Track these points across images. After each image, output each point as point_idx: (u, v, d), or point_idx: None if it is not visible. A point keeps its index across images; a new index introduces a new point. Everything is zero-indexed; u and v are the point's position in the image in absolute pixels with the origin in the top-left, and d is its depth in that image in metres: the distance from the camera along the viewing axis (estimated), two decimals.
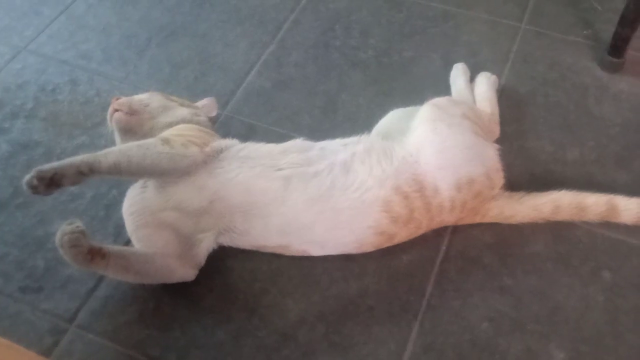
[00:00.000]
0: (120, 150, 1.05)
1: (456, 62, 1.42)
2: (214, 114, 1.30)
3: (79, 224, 0.98)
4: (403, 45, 1.52)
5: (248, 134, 1.34)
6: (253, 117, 1.38)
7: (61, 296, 1.09)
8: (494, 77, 1.36)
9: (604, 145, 1.30)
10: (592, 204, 1.13)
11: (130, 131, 1.15)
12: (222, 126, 1.36)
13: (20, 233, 1.18)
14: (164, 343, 1.03)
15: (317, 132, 1.34)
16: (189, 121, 1.19)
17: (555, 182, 1.21)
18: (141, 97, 1.21)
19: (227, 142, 1.14)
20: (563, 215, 1.14)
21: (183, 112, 1.20)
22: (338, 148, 1.12)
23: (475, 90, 1.34)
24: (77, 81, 1.45)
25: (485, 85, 1.33)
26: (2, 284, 1.11)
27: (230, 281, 1.11)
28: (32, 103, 1.41)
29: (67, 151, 1.31)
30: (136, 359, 1.02)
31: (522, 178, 1.24)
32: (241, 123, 1.37)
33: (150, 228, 1.07)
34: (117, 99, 1.16)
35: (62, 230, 0.97)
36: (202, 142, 1.10)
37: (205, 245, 1.08)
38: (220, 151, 1.10)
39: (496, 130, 1.28)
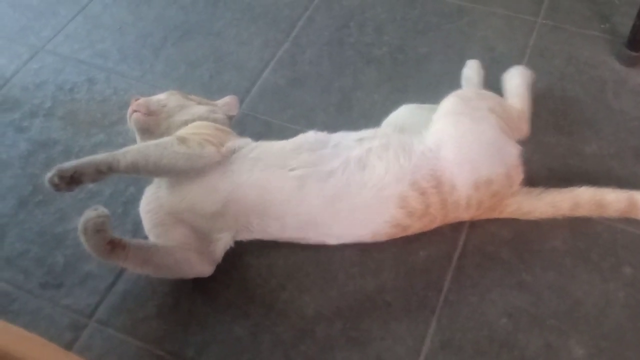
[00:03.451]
0: (138, 149, 1.05)
1: (473, 57, 1.41)
2: (234, 112, 1.30)
3: (103, 209, 0.99)
4: (418, 42, 1.51)
5: (263, 131, 1.34)
6: (268, 115, 1.38)
7: (81, 292, 1.10)
8: (529, 72, 1.30)
9: (622, 139, 1.28)
10: (613, 201, 1.11)
11: (148, 130, 1.16)
12: (238, 124, 1.36)
13: (39, 230, 1.19)
14: (182, 338, 1.04)
15: (332, 129, 1.32)
16: (206, 118, 1.19)
17: (574, 177, 1.20)
18: (159, 97, 1.22)
19: (240, 141, 1.13)
20: (582, 212, 1.13)
21: (200, 109, 1.21)
22: (352, 144, 1.11)
23: (507, 85, 1.29)
24: (94, 80, 1.47)
25: (518, 79, 1.28)
26: (22, 280, 1.12)
27: (248, 277, 1.11)
28: (50, 102, 1.42)
29: (85, 149, 1.32)
30: (155, 353, 1.02)
31: (540, 173, 1.23)
32: (256, 120, 1.37)
33: (166, 226, 1.08)
34: (137, 100, 1.17)
35: (87, 215, 0.97)
36: (218, 141, 1.10)
37: (223, 244, 1.09)
38: (232, 152, 1.10)
39: (524, 128, 1.23)
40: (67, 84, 1.46)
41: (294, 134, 1.32)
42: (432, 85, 1.41)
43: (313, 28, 1.56)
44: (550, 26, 1.52)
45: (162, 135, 1.13)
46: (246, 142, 1.13)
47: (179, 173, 1.07)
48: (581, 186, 1.13)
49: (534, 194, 1.14)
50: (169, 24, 1.59)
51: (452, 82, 1.41)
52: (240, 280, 1.11)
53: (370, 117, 1.36)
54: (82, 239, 0.97)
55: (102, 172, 1.01)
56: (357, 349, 1.02)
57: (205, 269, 1.08)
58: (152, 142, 1.07)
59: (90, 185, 1.25)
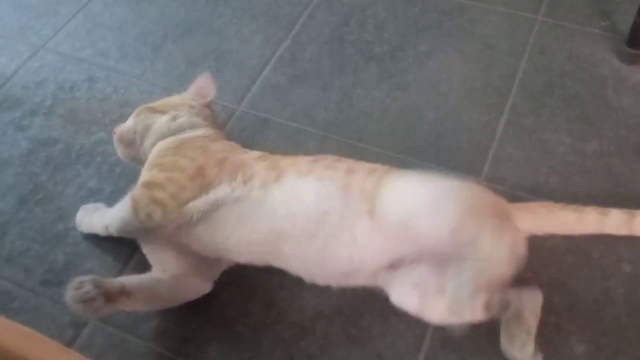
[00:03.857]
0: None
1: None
2: (210, 96, 1.19)
3: (84, 278, 0.93)
4: (418, 40, 1.51)
5: (264, 129, 1.34)
6: (268, 112, 1.38)
7: None
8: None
9: (623, 136, 1.28)
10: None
11: (137, 160, 1.15)
12: (238, 121, 1.36)
13: (40, 228, 1.19)
14: (183, 336, 1.04)
15: (332, 127, 1.34)
16: (168, 132, 1.11)
17: (574, 175, 1.20)
18: (128, 124, 1.16)
19: (214, 196, 1.01)
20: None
21: (161, 124, 1.12)
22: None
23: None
24: (95, 78, 1.47)
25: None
26: (23, 278, 1.13)
27: (247, 275, 1.11)
28: (50, 100, 1.42)
29: (85, 147, 1.32)
30: (155, 351, 1.03)
31: (540, 171, 1.23)
32: (256, 118, 1.37)
33: (163, 253, 1.06)
34: (114, 133, 1.17)
35: (68, 293, 0.92)
36: (173, 192, 1.00)
37: (225, 266, 1.09)
38: (197, 212, 1.00)
39: None
40: (67, 83, 1.46)
41: (294, 131, 1.33)
42: (432, 83, 1.41)
43: (313, 26, 1.56)
44: (551, 24, 1.52)
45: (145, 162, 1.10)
46: (221, 194, 1.01)
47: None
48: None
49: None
50: (169, 21, 1.59)
51: (452, 79, 1.42)
52: (240, 278, 1.11)
53: (371, 115, 1.36)
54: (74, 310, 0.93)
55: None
56: (357, 346, 1.02)
57: (207, 288, 1.07)
58: (114, 209, 1.09)
59: (90, 184, 1.25)
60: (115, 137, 1.17)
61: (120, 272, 1.12)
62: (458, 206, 0.94)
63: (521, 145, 1.28)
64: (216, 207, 1.00)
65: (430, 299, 0.97)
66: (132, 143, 1.15)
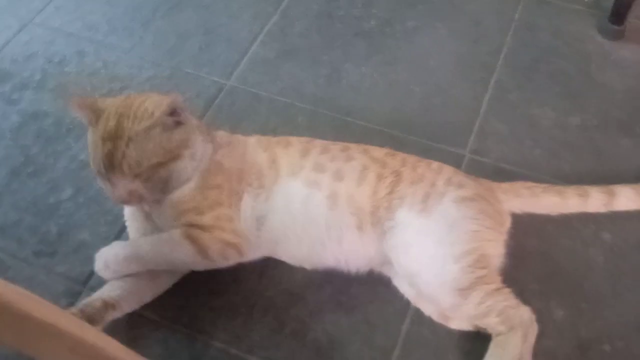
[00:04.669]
0: None
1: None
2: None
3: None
4: (406, 15, 1.52)
5: (253, 104, 1.36)
6: (258, 87, 1.39)
7: (74, 260, 1.12)
8: None
9: (606, 111, 1.31)
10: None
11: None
12: (228, 96, 1.37)
13: (32, 200, 1.20)
14: (176, 304, 1.06)
15: (321, 102, 1.35)
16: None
17: (558, 149, 1.23)
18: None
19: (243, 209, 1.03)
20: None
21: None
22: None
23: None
24: (84, 53, 1.47)
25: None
26: (16, 248, 1.14)
27: None
28: (40, 74, 1.42)
29: (75, 121, 1.32)
30: (148, 318, 1.05)
31: (524, 144, 1.26)
32: (246, 93, 1.38)
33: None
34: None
35: None
36: (226, 226, 1.02)
37: None
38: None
39: None
40: (56, 57, 1.46)
41: (283, 106, 1.34)
42: (420, 59, 1.43)
43: (302, 1, 1.57)
44: (536, 0, 1.54)
45: None
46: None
47: None
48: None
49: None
50: None
51: (440, 55, 1.43)
52: None
53: (359, 89, 1.38)
54: None
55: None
56: (346, 312, 1.05)
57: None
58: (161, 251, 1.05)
59: (82, 156, 1.26)
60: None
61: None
62: None
63: (506, 119, 1.30)
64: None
65: (424, 302, 1.04)
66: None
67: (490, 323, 0.96)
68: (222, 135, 1.10)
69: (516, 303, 0.97)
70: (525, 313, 0.97)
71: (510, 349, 0.94)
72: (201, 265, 1.04)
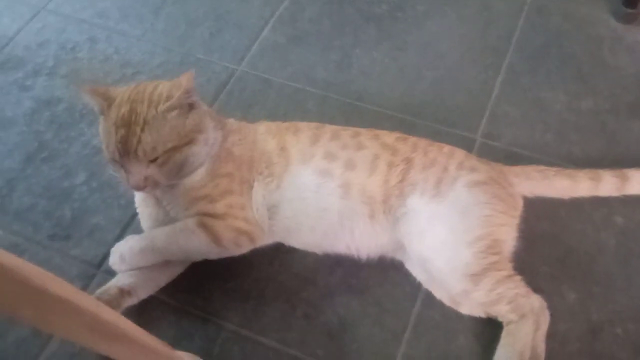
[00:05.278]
0: None
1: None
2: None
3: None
4: (417, 0, 1.52)
5: (264, 89, 1.36)
6: (268, 72, 1.40)
7: (89, 243, 1.14)
8: None
9: (618, 95, 1.30)
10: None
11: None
12: (238, 81, 1.38)
13: (47, 185, 1.22)
14: (189, 287, 1.07)
15: (332, 87, 1.35)
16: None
17: (569, 132, 1.22)
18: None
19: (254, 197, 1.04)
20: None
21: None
22: None
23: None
24: (96, 39, 1.48)
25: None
26: (31, 232, 1.16)
27: None
28: (52, 61, 1.44)
29: (88, 107, 1.33)
30: (164, 302, 1.06)
31: (535, 128, 1.26)
32: (257, 78, 1.39)
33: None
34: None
35: None
36: (239, 215, 1.03)
37: None
38: None
39: None
40: (69, 43, 1.47)
41: (294, 91, 1.35)
42: (432, 43, 1.43)
43: None
44: None
45: None
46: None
47: None
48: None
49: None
50: None
51: (451, 39, 1.43)
52: None
53: (370, 75, 1.38)
54: None
55: None
56: (356, 295, 1.05)
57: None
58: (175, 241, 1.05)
59: (95, 142, 1.27)
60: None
61: (126, 226, 1.15)
62: None
63: (517, 103, 1.30)
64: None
65: (436, 286, 1.04)
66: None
67: (501, 311, 0.97)
68: (231, 122, 1.10)
69: (527, 291, 0.97)
70: (536, 301, 0.97)
71: (522, 337, 0.94)
72: (215, 253, 1.04)
